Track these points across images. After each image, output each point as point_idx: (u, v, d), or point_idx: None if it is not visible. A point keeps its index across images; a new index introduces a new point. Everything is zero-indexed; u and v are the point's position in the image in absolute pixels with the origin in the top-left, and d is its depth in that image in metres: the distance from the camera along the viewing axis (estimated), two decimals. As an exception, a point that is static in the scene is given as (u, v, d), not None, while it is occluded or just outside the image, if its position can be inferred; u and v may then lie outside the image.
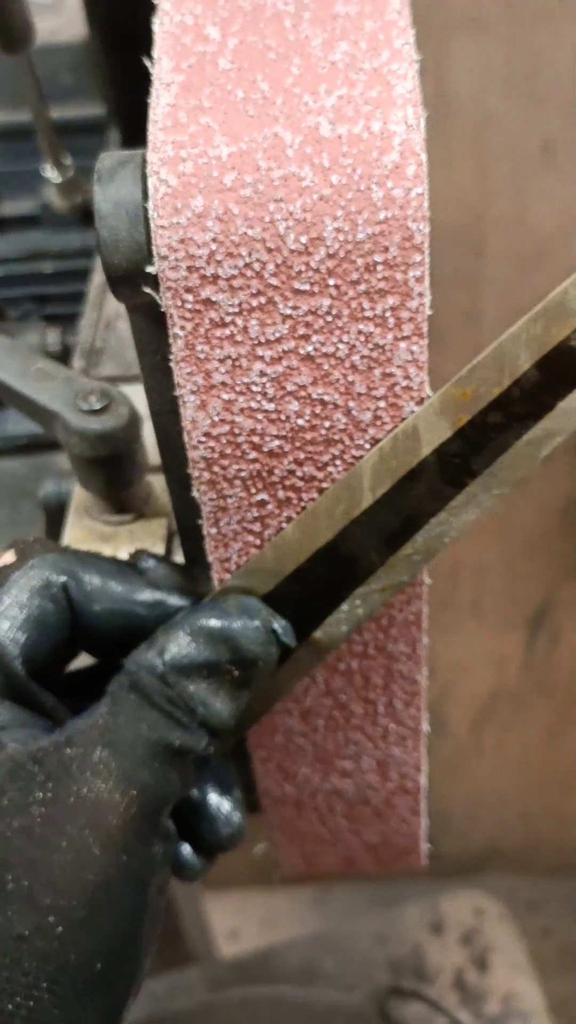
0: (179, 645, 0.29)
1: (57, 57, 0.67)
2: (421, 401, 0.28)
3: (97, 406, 0.37)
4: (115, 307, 0.50)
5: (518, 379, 0.27)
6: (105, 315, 0.50)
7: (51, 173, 0.55)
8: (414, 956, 1.09)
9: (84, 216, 0.62)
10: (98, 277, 0.52)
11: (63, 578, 0.31)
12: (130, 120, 0.60)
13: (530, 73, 0.93)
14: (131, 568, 0.32)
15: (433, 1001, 0.81)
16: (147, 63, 0.27)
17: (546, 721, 1.42)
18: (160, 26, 0.28)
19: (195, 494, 0.31)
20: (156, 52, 0.28)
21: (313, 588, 0.31)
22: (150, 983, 1.06)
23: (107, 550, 0.39)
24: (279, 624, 0.30)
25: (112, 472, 0.38)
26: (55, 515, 0.53)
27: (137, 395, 0.38)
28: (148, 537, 0.39)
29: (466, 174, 0.99)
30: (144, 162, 0.26)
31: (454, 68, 0.92)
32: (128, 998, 0.29)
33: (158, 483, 0.41)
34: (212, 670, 0.29)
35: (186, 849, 0.33)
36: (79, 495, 0.41)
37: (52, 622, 0.31)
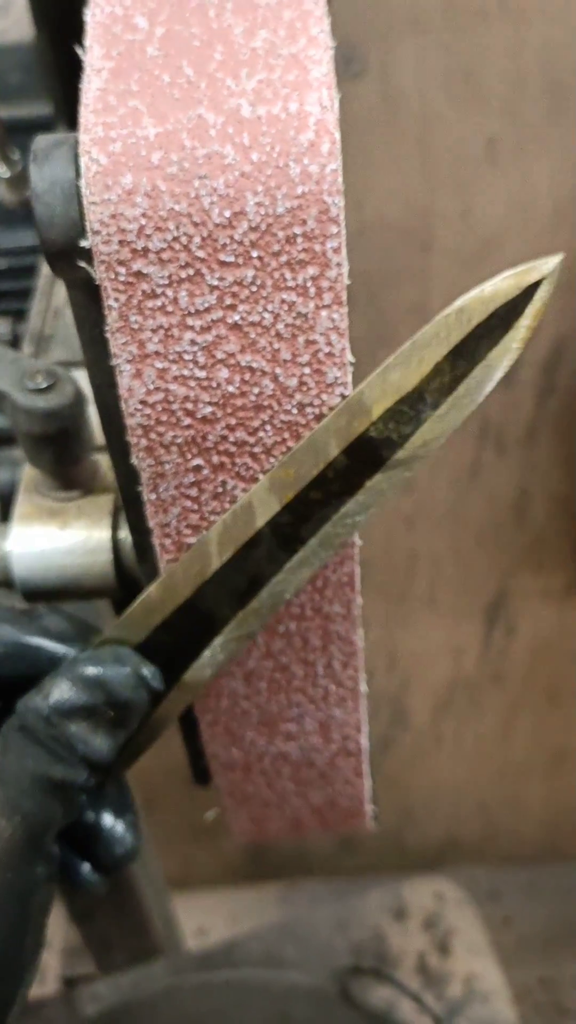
0: (61, 690, 0.33)
1: (4, 58, 0.68)
2: (343, 366, 0.30)
3: (43, 385, 0.38)
4: (63, 296, 0.52)
5: (330, 463, 0.31)
6: (54, 304, 0.51)
7: (0, 168, 0.56)
8: (376, 941, 1.10)
9: (31, 211, 0.63)
10: (46, 268, 0.53)
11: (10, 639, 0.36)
12: (76, 117, 0.62)
13: (469, 73, 0.96)
14: (25, 615, 0.37)
15: (392, 977, 0.83)
16: (79, 51, 0.29)
17: (502, 711, 1.45)
18: (92, 16, 0.30)
19: (134, 461, 0.32)
20: (88, 41, 0.29)
21: (178, 638, 0.35)
22: (117, 977, 1.07)
23: (55, 525, 0.40)
24: (148, 670, 0.34)
25: (59, 449, 0.39)
26: (9, 502, 0.54)
27: (84, 380, 0.39)
28: (95, 512, 0.40)
29: (412, 172, 1.01)
30: (76, 143, 0.28)
31: (397, 69, 0.95)
32: (12, 1003, 0.33)
33: (104, 461, 0.42)
34: (90, 712, 0.33)
35: (85, 868, 0.37)
36: (28, 473, 0.42)
37: None
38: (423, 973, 1.09)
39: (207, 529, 0.34)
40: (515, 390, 1.12)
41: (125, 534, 0.40)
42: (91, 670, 0.33)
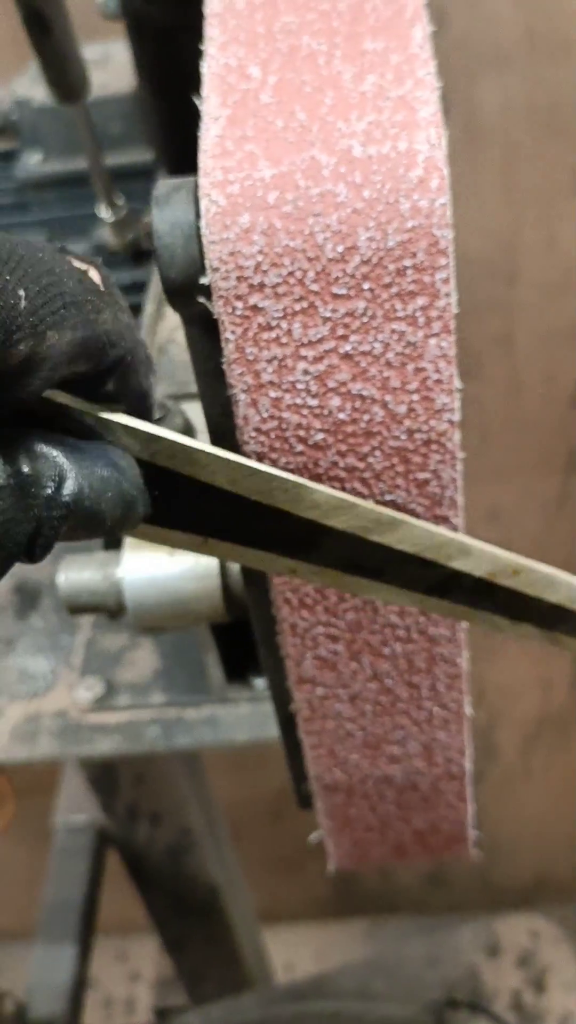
0: None
1: (107, 108, 0.71)
2: (451, 393, 0.31)
3: (157, 416, 0.40)
4: (167, 334, 0.54)
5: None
6: (158, 341, 0.53)
7: (105, 213, 0.59)
8: (469, 978, 1.09)
9: (135, 254, 0.66)
10: (150, 306, 0.56)
11: None
12: (177, 162, 0.64)
13: (553, 105, 0.97)
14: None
15: (489, 1009, 0.82)
16: (196, 101, 0.31)
17: (593, 745, 1.42)
18: (208, 68, 0.32)
19: (247, 487, 0.33)
20: (204, 91, 0.31)
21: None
22: (208, 1008, 1.07)
23: (165, 552, 0.42)
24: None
25: (168, 478, 0.41)
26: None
27: (191, 411, 0.41)
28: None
29: (496, 205, 1.02)
30: (196, 186, 0.29)
31: (481, 104, 0.96)
32: None
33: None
34: None
35: None
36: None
37: None
38: (518, 1010, 1.07)
39: None
40: (603, 419, 1.12)
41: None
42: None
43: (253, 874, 1.42)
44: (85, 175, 0.70)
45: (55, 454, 0.26)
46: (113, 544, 0.57)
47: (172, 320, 0.55)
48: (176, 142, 0.62)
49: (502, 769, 1.44)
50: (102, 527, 0.27)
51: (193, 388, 0.51)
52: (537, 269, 1.06)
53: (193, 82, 0.32)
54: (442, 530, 0.32)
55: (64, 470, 0.26)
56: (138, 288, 0.67)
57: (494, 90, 0.96)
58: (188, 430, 0.40)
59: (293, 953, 1.57)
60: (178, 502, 0.30)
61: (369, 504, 0.31)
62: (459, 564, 0.32)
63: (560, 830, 1.51)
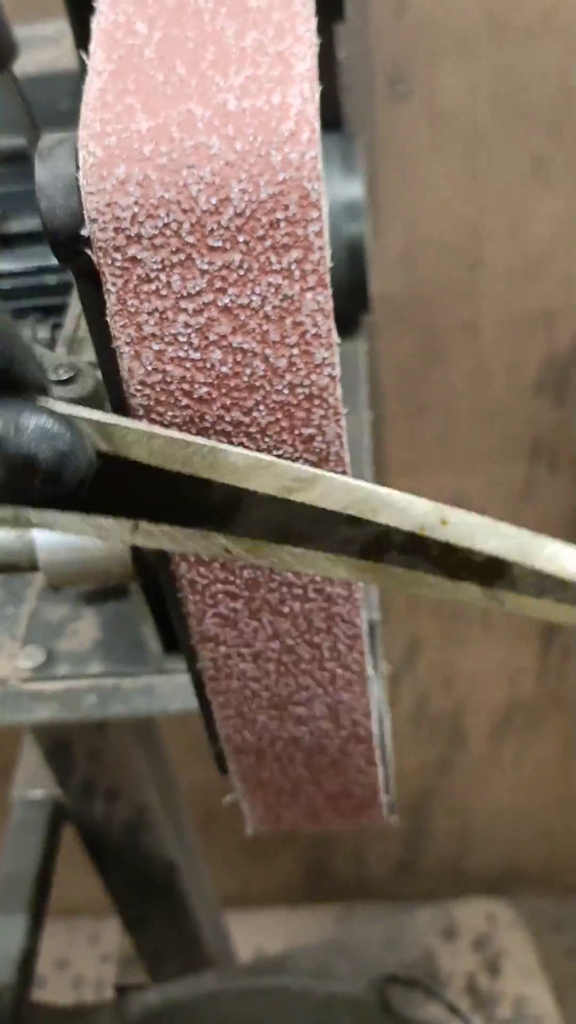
0: None
1: (56, 84, 0.72)
2: (331, 347, 0.32)
3: (64, 376, 0.40)
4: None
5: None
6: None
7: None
8: (426, 961, 1.09)
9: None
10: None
11: None
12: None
13: (516, 91, 0.97)
14: None
15: (429, 986, 0.82)
16: (83, 57, 0.31)
17: (562, 735, 1.43)
18: (97, 24, 0.32)
19: (138, 441, 0.34)
20: (92, 46, 0.31)
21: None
22: (167, 986, 1.08)
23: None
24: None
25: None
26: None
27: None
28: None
29: (460, 190, 1.03)
30: (77, 139, 0.30)
31: (443, 89, 0.96)
32: None
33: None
34: None
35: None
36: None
37: None
38: (472, 994, 1.08)
39: None
40: (568, 408, 1.12)
41: (142, 521, 0.42)
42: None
43: (225, 859, 1.42)
44: (24, 152, 0.70)
45: None
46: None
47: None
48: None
49: (471, 758, 1.45)
50: (35, 473, 0.27)
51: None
52: (501, 255, 1.06)
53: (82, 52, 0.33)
54: (362, 483, 0.32)
55: None
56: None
57: (456, 75, 0.96)
58: (98, 391, 0.41)
59: (263, 938, 1.58)
60: (100, 484, 0.31)
61: (286, 462, 0.32)
62: (386, 518, 0.32)
63: (532, 822, 1.52)
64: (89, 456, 0.29)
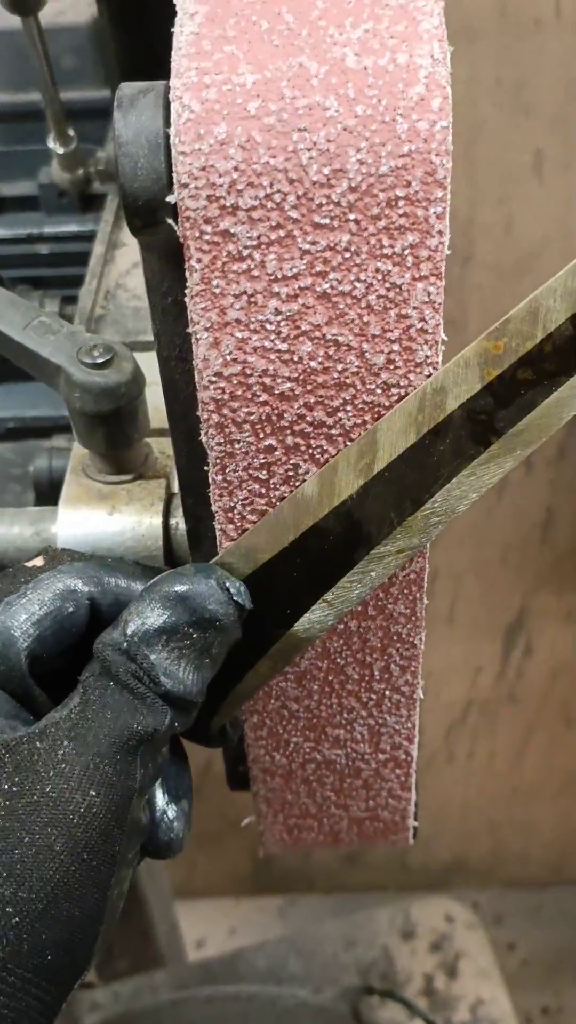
0: (139, 615, 0.30)
1: (61, 39, 0.66)
2: (435, 345, 0.28)
3: (100, 360, 0.36)
4: (115, 277, 0.50)
5: (551, 333, 0.27)
6: (105, 284, 0.49)
7: (54, 144, 0.54)
8: (383, 961, 1.08)
9: (82, 197, 0.61)
10: (99, 248, 0.52)
11: (89, 587, 0.32)
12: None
13: (520, 83, 0.94)
14: (154, 571, 0.33)
15: (408, 1001, 0.80)
16: (170, -5, 0.27)
17: (516, 732, 1.43)
18: (184, -41, 0.28)
19: (203, 438, 0.30)
20: (180, -16, 0.27)
21: (325, 548, 0.31)
22: (116, 985, 1.04)
23: (104, 509, 0.38)
24: (233, 585, 0.31)
25: (114, 429, 0.37)
26: (46, 492, 0.52)
27: (140, 361, 0.38)
28: (147, 497, 0.39)
29: (456, 182, 0.99)
30: (167, 90, 0.26)
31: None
32: (70, 990, 0.29)
33: (156, 446, 0.41)
34: (171, 634, 0.30)
35: None
36: (77, 454, 0.40)
37: (68, 626, 0.32)
38: (429, 996, 1.07)
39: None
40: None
41: (177, 521, 0.38)
42: (168, 586, 0.30)
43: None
44: (31, 110, 0.65)
45: None
46: (44, 502, 0.53)
47: (121, 264, 0.51)
48: (136, 78, 0.58)
49: (425, 753, 1.44)
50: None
51: (143, 338, 0.47)
52: (493, 251, 1.04)
53: (155, 18, 0.29)
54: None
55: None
56: (83, 238, 0.63)
57: (461, 62, 0.93)
58: (137, 378, 0.37)
59: (206, 929, 1.55)
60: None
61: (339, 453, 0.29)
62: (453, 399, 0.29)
63: (479, 815, 1.51)
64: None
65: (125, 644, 0.30)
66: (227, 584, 0.31)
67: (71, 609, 0.32)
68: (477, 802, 1.50)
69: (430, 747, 1.44)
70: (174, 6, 0.27)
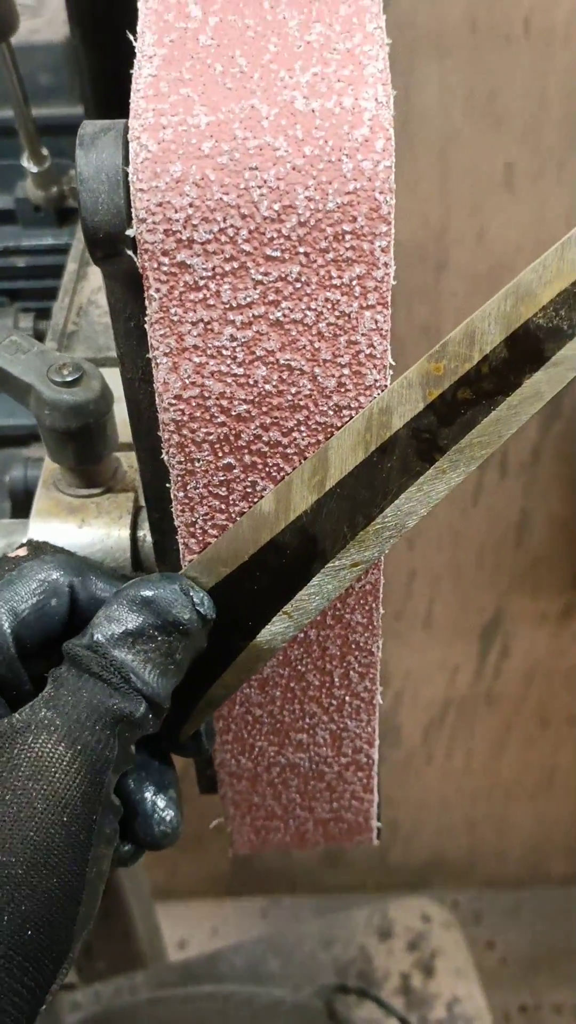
0: (107, 617, 0.31)
1: (36, 57, 0.68)
2: (383, 369, 0.30)
3: (70, 378, 0.38)
4: (87, 294, 0.51)
5: (487, 355, 0.28)
6: (78, 301, 0.51)
7: (28, 163, 0.56)
8: (360, 960, 1.09)
9: (58, 211, 0.62)
10: (71, 265, 0.53)
11: (71, 578, 0.33)
12: (107, 118, 0.61)
13: (492, 95, 0.96)
14: (127, 579, 0.34)
15: (380, 999, 0.82)
16: (131, 37, 0.29)
17: (493, 732, 1.44)
18: (144, 3, 0.29)
19: (164, 457, 0.32)
20: (140, 27, 0.29)
21: (283, 563, 0.32)
22: (97, 985, 1.05)
23: (74, 522, 0.40)
24: (196, 594, 0.32)
25: (83, 445, 0.38)
26: (21, 501, 0.53)
27: (109, 377, 0.39)
28: (115, 510, 0.40)
29: (430, 191, 1.01)
30: (126, 129, 0.27)
31: (419, 87, 0.95)
32: (52, 982, 0.29)
33: (125, 460, 0.42)
34: (137, 637, 0.31)
35: (123, 846, 0.34)
36: (48, 468, 0.42)
37: (51, 614, 0.33)
38: (406, 994, 1.08)
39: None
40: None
41: (144, 533, 0.40)
42: (135, 591, 0.31)
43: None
44: (9, 125, 0.66)
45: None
46: (20, 511, 0.54)
47: (94, 281, 0.52)
48: (107, 98, 0.59)
49: (403, 753, 1.46)
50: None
51: (113, 354, 0.49)
52: (466, 259, 1.05)
53: (126, 39, 0.30)
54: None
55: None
56: (59, 251, 0.64)
57: (433, 73, 0.94)
58: (105, 395, 0.38)
59: (187, 930, 1.56)
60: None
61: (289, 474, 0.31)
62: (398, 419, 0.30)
63: (457, 814, 1.53)
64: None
65: (91, 642, 0.31)
66: (191, 593, 0.32)
67: (53, 598, 0.33)
68: (455, 801, 1.51)
69: (408, 747, 1.45)
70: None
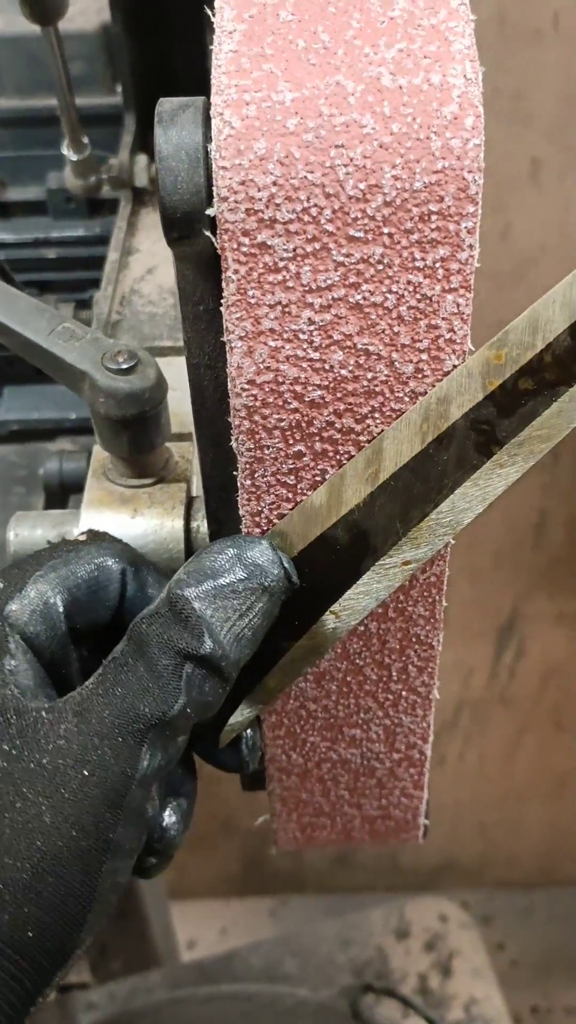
0: (190, 569, 0.30)
1: (69, 46, 0.67)
2: (463, 355, 0.29)
3: (125, 366, 0.37)
4: (130, 283, 0.51)
5: (550, 343, 0.27)
6: (121, 290, 0.50)
7: (68, 151, 0.55)
8: (378, 960, 1.08)
9: (90, 202, 0.62)
10: (112, 254, 0.52)
11: (124, 566, 0.33)
12: (147, 108, 0.61)
13: (519, 92, 0.95)
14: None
15: (407, 999, 0.81)
16: (208, 12, 0.28)
17: (507, 734, 1.44)
18: (221, -22, 0.29)
19: (233, 443, 0.31)
20: (217, 2, 0.28)
21: (332, 559, 0.31)
22: (112, 985, 1.04)
23: (126, 512, 0.39)
24: (283, 556, 0.31)
25: (138, 433, 0.38)
26: (56, 494, 0.53)
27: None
28: (168, 500, 0.39)
29: (454, 187, 1.01)
30: (206, 106, 0.27)
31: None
32: (50, 982, 0.29)
33: (177, 450, 0.41)
34: (219, 592, 0.29)
35: None
36: (98, 458, 0.41)
37: (103, 598, 0.33)
38: (424, 995, 1.07)
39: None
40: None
41: (197, 524, 0.39)
42: (222, 547, 0.30)
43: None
44: (40, 115, 0.66)
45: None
46: (54, 504, 0.54)
47: (136, 270, 0.51)
48: (147, 86, 0.59)
49: (417, 754, 1.45)
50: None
51: (158, 343, 0.48)
52: (490, 258, 1.04)
53: (168, 26, 0.29)
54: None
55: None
56: (90, 242, 0.63)
57: (462, 68, 0.94)
58: (160, 383, 0.37)
59: (196, 930, 1.55)
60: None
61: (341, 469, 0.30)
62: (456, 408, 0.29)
63: (469, 817, 1.52)
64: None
65: (173, 597, 0.29)
66: (279, 553, 0.31)
67: (107, 584, 0.33)
68: (468, 803, 1.51)
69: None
70: (186, 15, 0.28)
